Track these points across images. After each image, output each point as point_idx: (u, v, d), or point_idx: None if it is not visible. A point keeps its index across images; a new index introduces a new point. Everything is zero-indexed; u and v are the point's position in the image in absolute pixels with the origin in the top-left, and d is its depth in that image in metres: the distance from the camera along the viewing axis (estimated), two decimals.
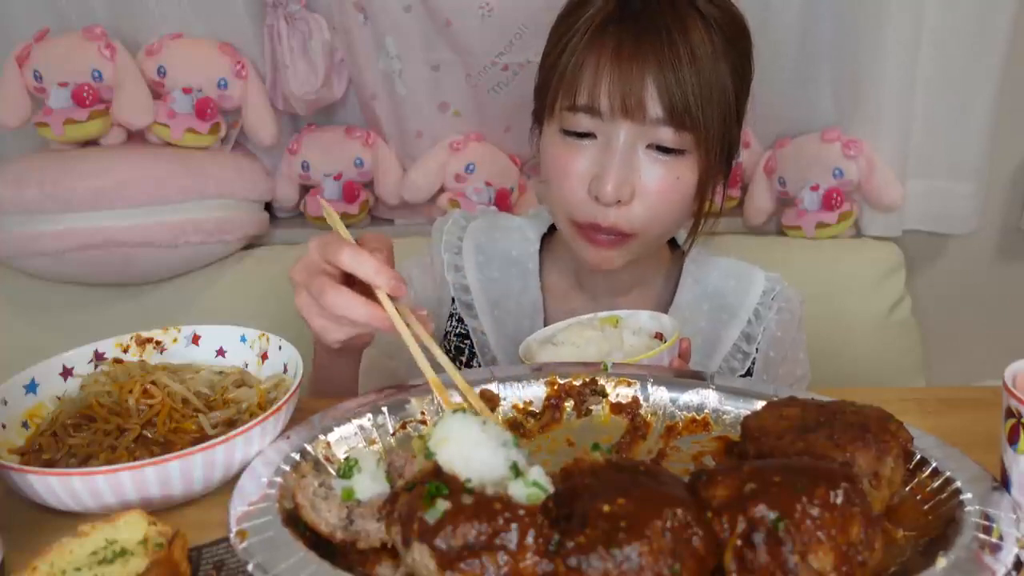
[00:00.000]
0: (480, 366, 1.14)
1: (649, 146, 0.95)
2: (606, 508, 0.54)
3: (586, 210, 0.97)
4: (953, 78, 1.54)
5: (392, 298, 0.76)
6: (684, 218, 1.01)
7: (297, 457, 0.70)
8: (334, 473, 0.68)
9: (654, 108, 0.92)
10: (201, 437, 0.76)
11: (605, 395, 0.82)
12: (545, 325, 1.11)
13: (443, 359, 0.77)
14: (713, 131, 0.94)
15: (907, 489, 0.67)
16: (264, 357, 0.87)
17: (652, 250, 1.05)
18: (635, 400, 0.81)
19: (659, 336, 0.95)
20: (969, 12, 1.50)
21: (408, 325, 0.76)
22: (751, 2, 1.47)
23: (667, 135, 0.94)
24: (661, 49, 0.91)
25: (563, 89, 0.96)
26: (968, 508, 0.62)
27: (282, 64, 1.57)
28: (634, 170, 0.95)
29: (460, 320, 1.15)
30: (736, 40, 0.96)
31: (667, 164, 0.96)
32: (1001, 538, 0.59)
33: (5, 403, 0.77)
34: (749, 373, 1.10)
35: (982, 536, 0.59)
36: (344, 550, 0.61)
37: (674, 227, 1.03)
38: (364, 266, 0.74)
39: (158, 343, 0.89)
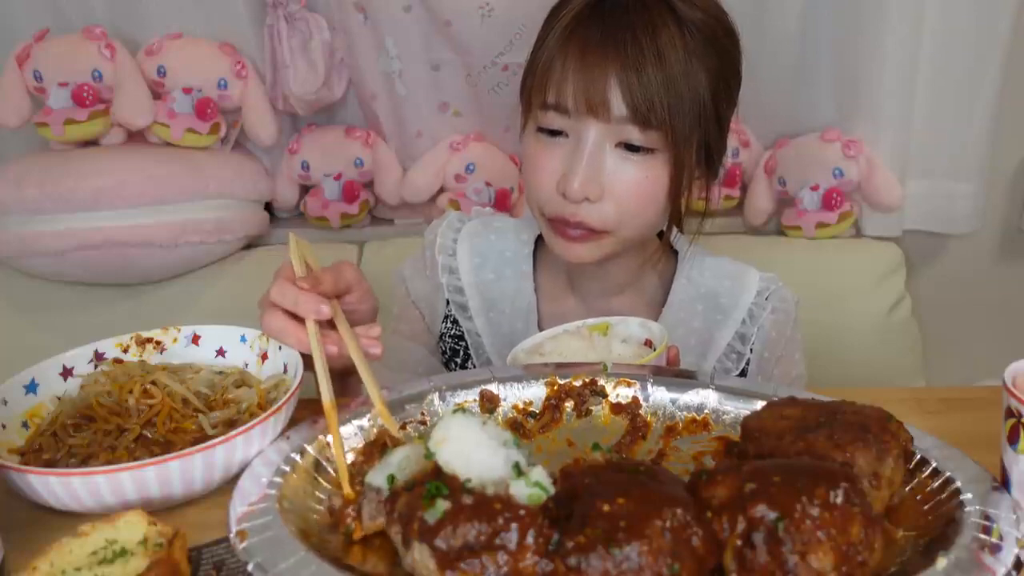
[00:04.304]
0: (475, 368, 1.14)
1: (618, 144, 0.96)
2: (606, 508, 0.54)
3: (554, 205, 0.98)
4: (953, 78, 1.54)
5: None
6: (659, 217, 1.02)
7: (297, 457, 0.70)
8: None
9: (618, 107, 0.93)
10: (201, 437, 0.76)
11: (605, 395, 0.81)
12: (539, 326, 1.12)
13: (369, 381, 0.76)
14: (684, 130, 0.94)
15: (907, 489, 0.67)
16: (264, 357, 0.87)
17: (630, 248, 1.04)
18: (635, 400, 0.81)
19: (648, 343, 0.95)
20: (969, 12, 1.50)
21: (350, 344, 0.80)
22: (751, 2, 1.49)
23: (634, 134, 0.94)
24: (625, 48, 0.92)
25: (536, 87, 0.97)
26: (968, 508, 0.62)
27: (282, 64, 1.57)
28: (602, 168, 0.96)
29: (455, 322, 1.15)
30: (716, 40, 0.96)
31: (636, 163, 0.96)
32: (1001, 538, 0.59)
33: (5, 403, 0.77)
34: (743, 374, 1.10)
35: (982, 536, 0.59)
36: (343, 550, 0.61)
37: (649, 226, 1.03)
38: (286, 299, 0.80)
39: (158, 343, 0.89)
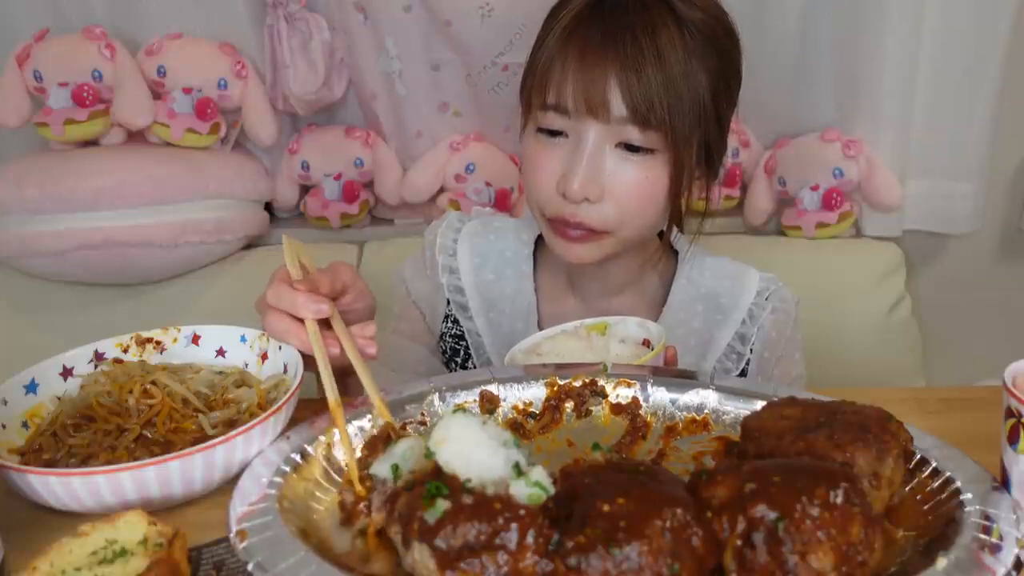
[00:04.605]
0: (475, 367, 1.14)
1: (618, 145, 0.96)
2: (606, 508, 0.54)
3: (554, 206, 0.99)
4: (953, 78, 1.54)
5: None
6: (659, 217, 1.02)
7: (297, 457, 0.70)
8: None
9: (618, 107, 0.93)
10: (201, 437, 0.76)
11: (605, 396, 0.81)
12: (539, 326, 1.11)
13: (367, 379, 0.77)
14: (684, 130, 0.94)
15: (907, 489, 0.67)
16: (264, 357, 0.87)
17: (630, 248, 1.04)
18: (635, 401, 0.81)
19: (647, 343, 0.95)
20: (969, 12, 1.50)
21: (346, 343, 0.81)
22: (751, 2, 1.49)
23: (634, 134, 0.94)
24: (624, 49, 0.92)
25: (536, 87, 0.98)
26: (968, 508, 0.62)
27: (282, 64, 1.57)
28: (602, 169, 0.96)
29: (456, 322, 1.15)
30: (716, 40, 0.97)
31: (636, 163, 0.96)
32: (1001, 538, 0.59)
33: (5, 403, 0.77)
34: (743, 374, 1.10)
35: (982, 536, 0.59)
36: (343, 550, 0.61)
37: (649, 226, 1.03)
38: (282, 301, 0.81)
39: (158, 343, 0.89)
